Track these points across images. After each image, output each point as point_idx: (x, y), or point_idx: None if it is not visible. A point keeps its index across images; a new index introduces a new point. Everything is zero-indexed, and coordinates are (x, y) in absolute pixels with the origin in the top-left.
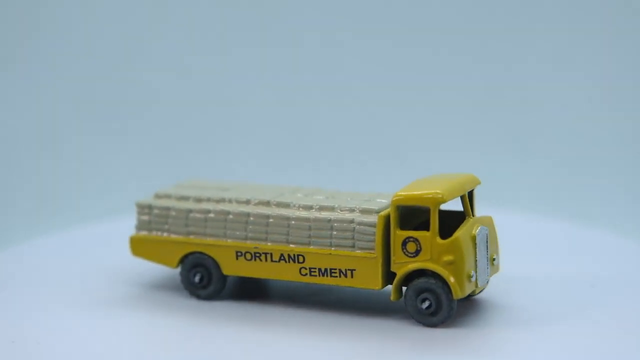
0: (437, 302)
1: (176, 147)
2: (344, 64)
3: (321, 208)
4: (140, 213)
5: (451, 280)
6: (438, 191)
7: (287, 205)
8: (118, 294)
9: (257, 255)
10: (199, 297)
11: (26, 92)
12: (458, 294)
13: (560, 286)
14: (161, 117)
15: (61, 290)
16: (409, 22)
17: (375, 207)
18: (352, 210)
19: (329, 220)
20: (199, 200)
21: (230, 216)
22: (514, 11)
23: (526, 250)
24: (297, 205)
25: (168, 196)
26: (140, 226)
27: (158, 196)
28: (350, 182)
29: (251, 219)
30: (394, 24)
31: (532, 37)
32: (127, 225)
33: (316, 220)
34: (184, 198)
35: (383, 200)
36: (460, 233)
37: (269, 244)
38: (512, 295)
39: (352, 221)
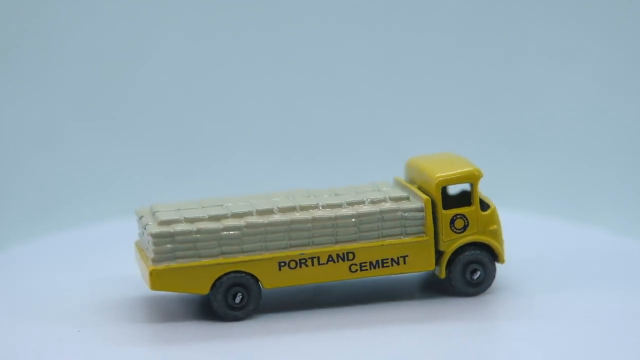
0: (485, 271)
1: (176, 148)
2: (329, 54)
3: (351, 204)
4: (159, 243)
5: (499, 247)
6: (477, 167)
7: (315, 207)
8: (116, 308)
9: (303, 261)
10: (237, 318)
11: (26, 93)
12: (504, 259)
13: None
14: (162, 118)
15: (50, 304)
16: (405, 11)
17: (404, 193)
18: (383, 201)
19: (378, 212)
20: (217, 218)
21: (269, 227)
22: (516, 2)
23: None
24: (323, 206)
25: (176, 221)
26: (160, 257)
27: (163, 223)
28: (347, 178)
29: (293, 225)
30: (390, 12)
31: (532, 31)
32: (125, 226)
33: (363, 215)
34: (198, 219)
35: (392, 188)
36: (492, 204)
37: (314, 247)
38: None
39: (399, 210)
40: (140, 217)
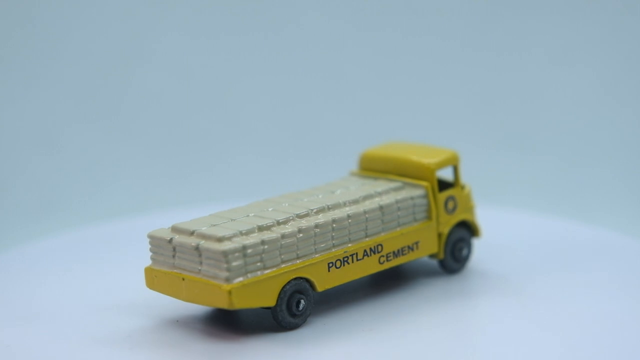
0: (468, 247)
1: (175, 149)
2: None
3: (366, 198)
4: (232, 260)
5: (477, 223)
6: (455, 151)
7: (338, 205)
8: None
9: (345, 259)
10: (297, 326)
11: (26, 93)
12: (480, 233)
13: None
14: (162, 119)
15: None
16: (404, 13)
17: (399, 184)
18: (387, 192)
19: (395, 202)
20: (266, 228)
21: (317, 230)
22: (515, 5)
23: (512, 245)
24: (344, 203)
25: (232, 236)
26: (234, 275)
27: (225, 239)
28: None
29: (335, 225)
30: (390, 14)
31: (530, 33)
32: (125, 227)
33: (385, 206)
34: (250, 231)
35: (375, 181)
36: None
37: (352, 244)
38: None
39: (409, 198)
40: (170, 239)
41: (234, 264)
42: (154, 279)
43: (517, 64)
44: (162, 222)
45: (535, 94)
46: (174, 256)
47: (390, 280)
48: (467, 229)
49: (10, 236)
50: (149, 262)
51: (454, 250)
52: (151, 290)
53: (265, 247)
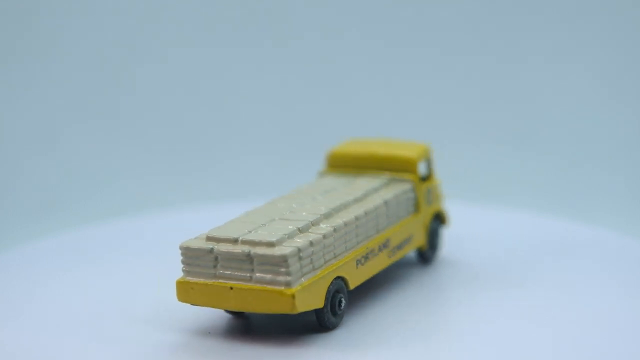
0: (438, 235)
1: (175, 149)
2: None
3: (366, 195)
4: (292, 263)
5: (446, 213)
6: (427, 143)
7: (350, 203)
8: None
9: (367, 256)
10: (336, 325)
11: (26, 93)
12: (447, 221)
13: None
14: (162, 119)
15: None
16: (404, 12)
17: (386, 179)
18: (381, 188)
19: (394, 197)
20: (305, 229)
21: (347, 228)
22: (513, 4)
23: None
24: (354, 200)
25: (282, 240)
26: (294, 279)
27: (277, 243)
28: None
29: (357, 222)
30: (389, 14)
31: (530, 31)
32: (124, 227)
33: (388, 201)
34: (295, 234)
35: (368, 178)
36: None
37: (368, 240)
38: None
39: (405, 191)
40: (211, 249)
41: (293, 267)
42: (189, 292)
43: (518, 64)
44: (162, 222)
45: (535, 94)
46: (215, 266)
47: (384, 274)
48: (436, 219)
49: (10, 236)
50: (148, 261)
51: (432, 239)
52: (185, 303)
53: (313, 248)
